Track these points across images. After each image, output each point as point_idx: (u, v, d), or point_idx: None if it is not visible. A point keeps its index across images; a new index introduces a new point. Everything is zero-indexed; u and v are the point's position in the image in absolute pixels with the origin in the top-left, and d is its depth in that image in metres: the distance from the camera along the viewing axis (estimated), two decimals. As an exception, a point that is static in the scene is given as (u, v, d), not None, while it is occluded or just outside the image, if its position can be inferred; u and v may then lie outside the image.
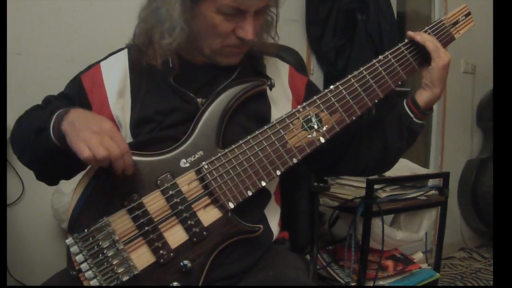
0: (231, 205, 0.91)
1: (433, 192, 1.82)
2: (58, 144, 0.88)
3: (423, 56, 1.00)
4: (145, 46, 0.97)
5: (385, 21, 2.13)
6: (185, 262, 0.88)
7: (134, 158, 0.92)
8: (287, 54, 1.30)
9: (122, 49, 1.06)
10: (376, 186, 1.63)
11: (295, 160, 0.95)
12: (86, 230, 0.87)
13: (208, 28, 0.94)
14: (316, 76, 2.21)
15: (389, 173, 1.69)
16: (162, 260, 0.88)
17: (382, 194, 1.65)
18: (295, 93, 1.09)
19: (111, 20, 1.67)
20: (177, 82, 0.98)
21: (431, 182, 1.93)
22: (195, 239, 0.89)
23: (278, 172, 0.94)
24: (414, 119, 1.01)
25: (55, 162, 0.94)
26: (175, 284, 0.88)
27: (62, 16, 1.60)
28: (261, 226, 0.94)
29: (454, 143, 2.85)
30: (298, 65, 1.33)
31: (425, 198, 1.77)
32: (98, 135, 0.81)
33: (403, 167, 1.86)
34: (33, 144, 0.92)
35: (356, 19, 2.12)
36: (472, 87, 2.91)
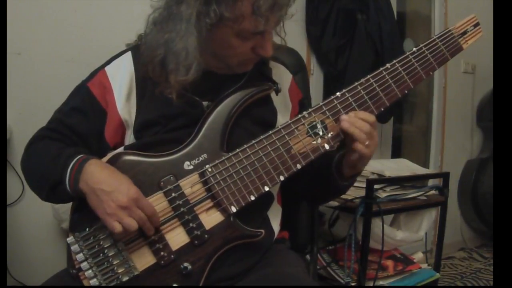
0: (234, 209, 0.91)
1: (433, 192, 1.82)
2: (75, 196, 0.89)
3: (431, 65, 1.00)
4: (157, 76, 0.94)
5: (385, 21, 2.13)
6: (186, 264, 0.88)
7: (138, 158, 0.92)
8: (287, 54, 1.30)
9: (124, 51, 1.04)
10: (376, 186, 1.63)
11: (299, 166, 0.94)
12: (87, 229, 0.88)
13: (225, 49, 0.93)
14: (316, 76, 2.21)
15: (389, 173, 1.69)
16: (162, 262, 0.88)
17: (382, 194, 1.65)
18: (293, 105, 1.10)
19: (111, 20, 1.67)
20: (183, 88, 0.96)
21: (431, 182, 1.93)
22: (196, 241, 0.89)
23: (282, 178, 0.94)
24: (339, 181, 1.02)
25: (73, 200, 0.95)
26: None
27: (62, 16, 1.60)
28: (262, 231, 0.94)
29: (454, 143, 2.85)
30: (298, 66, 1.33)
31: (425, 198, 1.77)
32: (127, 209, 0.83)
33: (403, 167, 1.86)
34: (50, 193, 0.93)
35: (356, 19, 2.12)
36: (472, 87, 2.91)
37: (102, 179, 0.85)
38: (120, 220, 0.83)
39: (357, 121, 0.92)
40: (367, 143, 0.92)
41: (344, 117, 0.93)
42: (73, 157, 0.89)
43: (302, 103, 1.13)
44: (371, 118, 0.93)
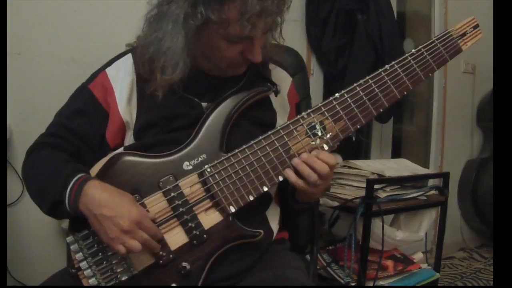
0: (232, 209, 0.91)
1: (433, 192, 1.81)
2: (75, 216, 0.88)
3: (430, 66, 1.00)
4: (147, 74, 0.95)
5: (385, 21, 2.13)
6: (184, 264, 0.88)
7: (138, 159, 0.92)
8: (287, 54, 1.30)
9: (124, 53, 1.04)
10: (376, 186, 1.63)
11: None
12: (86, 229, 0.88)
13: (214, 52, 0.93)
14: (316, 76, 2.21)
15: (389, 173, 1.69)
16: (161, 261, 0.88)
17: (382, 194, 1.65)
18: (291, 108, 1.10)
19: (111, 20, 1.67)
20: (182, 88, 0.97)
21: (431, 182, 1.93)
22: (195, 241, 0.90)
23: (281, 178, 0.94)
24: (291, 202, 1.05)
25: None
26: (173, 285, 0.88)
27: (62, 16, 1.60)
28: (261, 231, 0.94)
29: (454, 143, 2.85)
30: (297, 66, 1.33)
31: (425, 198, 1.77)
32: (129, 233, 0.83)
33: (403, 167, 1.86)
34: (51, 210, 0.92)
35: (356, 19, 2.12)
36: (472, 87, 2.91)
37: (103, 203, 0.84)
38: (124, 244, 0.83)
39: (315, 162, 0.91)
40: (318, 183, 0.91)
41: (304, 155, 0.92)
42: (72, 177, 0.87)
43: (298, 107, 1.13)
44: (332, 160, 0.92)
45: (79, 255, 0.86)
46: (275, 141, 0.94)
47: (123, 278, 0.86)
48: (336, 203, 1.70)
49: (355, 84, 0.98)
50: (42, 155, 0.97)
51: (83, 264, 0.86)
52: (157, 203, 0.90)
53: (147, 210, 0.89)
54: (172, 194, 0.90)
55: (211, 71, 1.00)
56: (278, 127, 0.95)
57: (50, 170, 0.92)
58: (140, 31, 0.99)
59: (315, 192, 0.95)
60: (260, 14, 0.85)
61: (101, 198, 0.84)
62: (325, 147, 0.96)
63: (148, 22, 0.95)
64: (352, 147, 2.41)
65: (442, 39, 1.02)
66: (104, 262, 0.87)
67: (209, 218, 0.91)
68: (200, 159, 0.93)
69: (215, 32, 0.89)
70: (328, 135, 0.96)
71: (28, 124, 1.54)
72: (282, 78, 1.10)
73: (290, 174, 0.92)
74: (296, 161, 0.93)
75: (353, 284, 1.60)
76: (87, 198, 0.85)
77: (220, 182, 0.92)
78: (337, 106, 0.96)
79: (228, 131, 0.96)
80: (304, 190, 0.93)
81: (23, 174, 1.00)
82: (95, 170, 0.92)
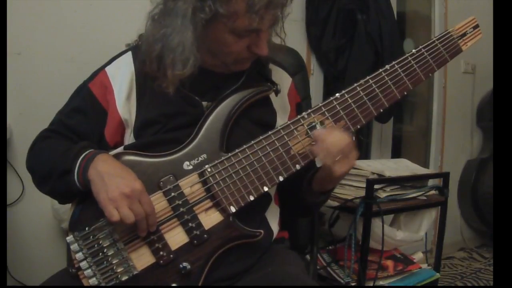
0: (233, 209, 0.91)
1: (433, 192, 1.81)
2: (81, 189, 0.89)
3: (430, 66, 1.00)
4: (155, 71, 0.95)
5: (385, 21, 2.13)
6: (185, 264, 0.88)
7: (138, 158, 0.92)
8: (287, 54, 1.30)
9: (125, 51, 1.04)
10: (376, 186, 1.63)
11: (298, 167, 0.95)
12: (87, 229, 0.88)
13: (221, 46, 0.94)
14: (316, 76, 2.21)
15: (389, 173, 1.69)
16: (161, 261, 0.88)
17: (382, 194, 1.65)
18: (291, 108, 1.10)
19: (111, 20, 1.67)
20: (182, 85, 0.97)
21: (431, 182, 1.93)
22: (195, 241, 0.90)
23: (281, 178, 0.94)
24: (307, 195, 1.03)
25: (75, 196, 0.94)
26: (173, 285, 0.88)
27: (62, 16, 1.60)
28: (261, 231, 0.94)
29: (454, 143, 2.85)
30: (297, 66, 1.33)
31: (425, 198, 1.77)
32: (128, 199, 0.83)
33: (403, 167, 1.86)
34: (56, 183, 0.92)
35: (356, 19, 2.12)
36: (472, 87, 2.91)
37: (112, 167, 0.87)
38: (119, 209, 0.82)
39: (330, 134, 0.91)
40: (337, 158, 0.90)
41: (318, 129, 0.93)
42: (86, 149, 0.91)
43: (299, 107, 1.13)
44: (347, 137, 0.91)
45: (79, 255, 0.86)
46: (275, 141, 0.94)
47: (124, 278, 0.86)
48: (336, 203, 1.71)
49: (355, 84, 0.98)
50: (48, 143, 0.98)
51: (83, 264, 0.86)
52: (157, 203, 0.89)
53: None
54: (173, 194, 0.90)
55: (215, 67, 1.00)
56: (279, 127, 0.95)
57: (60, 148, 0.94)
58: (141, 30, 1.00)
59: (336, 171, 0.91)
60: (268, 6, 0.86)
61: (111, 164, 0.88)
62: None
63: (152, 20, 0.96)
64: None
65: (442, 39, 1.02)
66: (105, 262, 0.86)
67: (210, 218, 0.91)
68: (200, 159, 0.93)
69: (223, 26, 0.89)
70: None
71: (28, 124, 1.54)
72: (282, 78, 1.10)
73: (317, 149, 0.91)
74: (316, 132, 0.93)
75: (353, 284, 1.61)
76: (99, 162, 0.87)
77: (220, 182, 0.92)
78: (337, 106, 0.96)
79: (229, 130, 0.96)
80: (329, 167, 0.91)
81: (29, 164, 1.00)
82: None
